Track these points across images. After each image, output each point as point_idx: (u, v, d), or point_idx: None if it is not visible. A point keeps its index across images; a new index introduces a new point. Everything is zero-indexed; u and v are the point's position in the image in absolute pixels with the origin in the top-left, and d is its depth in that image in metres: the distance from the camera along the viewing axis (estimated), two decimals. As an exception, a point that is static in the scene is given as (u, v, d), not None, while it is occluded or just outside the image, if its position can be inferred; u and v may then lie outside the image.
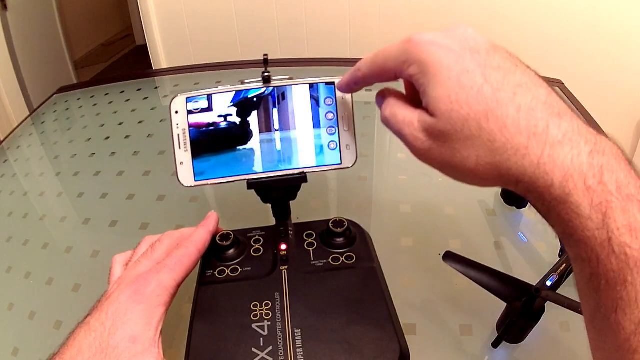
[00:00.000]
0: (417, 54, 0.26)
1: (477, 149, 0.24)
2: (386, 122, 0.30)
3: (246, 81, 0.39)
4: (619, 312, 0.21)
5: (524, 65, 0.25)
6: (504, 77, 0.24)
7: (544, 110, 0.23)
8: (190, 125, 0.39)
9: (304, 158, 0.39)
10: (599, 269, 0.21)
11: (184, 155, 0.39)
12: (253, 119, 0.39)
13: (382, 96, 0.31)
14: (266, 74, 0.38)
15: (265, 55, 0.38)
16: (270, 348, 0.32)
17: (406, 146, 0.29)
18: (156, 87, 0.99)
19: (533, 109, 0.23)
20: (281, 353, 0.32)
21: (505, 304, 0.38)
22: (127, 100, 0.90)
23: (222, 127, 0.39)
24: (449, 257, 0.40)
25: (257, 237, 0.42)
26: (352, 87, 0.35)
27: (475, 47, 0.26)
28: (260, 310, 0.35)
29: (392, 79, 0.30)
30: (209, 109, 0.39)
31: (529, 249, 0.49)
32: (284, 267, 0.38)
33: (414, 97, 0.29)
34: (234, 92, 0.39)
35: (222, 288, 0.37)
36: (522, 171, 0.23)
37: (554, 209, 0.23)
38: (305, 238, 0.41)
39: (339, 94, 0.39)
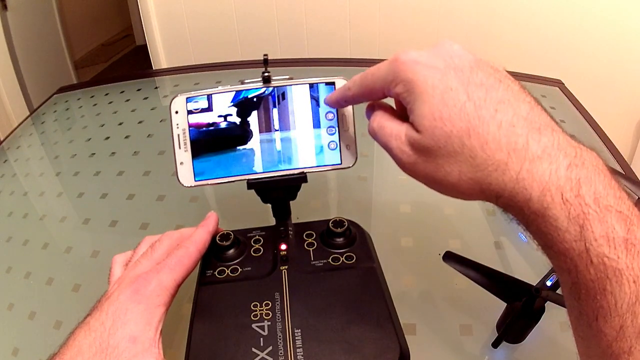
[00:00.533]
0: (404, 73, 0.27)
1: (460, 164, 0.25)
2: (373, 134, 0.31)
3: (246, 81, 0.39)
4: (600, 320, 0.21)
5: (509, 80, 0.26)
6: (486, 93, 0.25)
7: (524, 126, 0.24)
8: (190, 125, 0.39)
9: (303, 158, 0.39)
10: (579, 279, 0.22)
11: (184, 155, 0.39)
12: (253, 119, 0.39)
13: (371, 109, 0.32)
14: (266, 74, 0.38)
15: (265, 55, 0.38)
16: (270, 348, 0.32)
17: (392, 158, 0.29)
18: (156, 87, 0.99)
19: (514, 125, 0.24)
20: (281, 353, 0.32)
21: (505, 304, 0.38)
22: (127, 100, 0.90)
23: (222, 127, 0.39)
24: (449, 257, 0.40)
25: (257, 237, 0.42)
26: (340, 104, 0.36)
27: (459, 65, 0.26)
28: (260, 310, 0.35)
29: (380, 97, 0.31)
30: (209, 109, 0.39)
31: (529, 249, 0.49)
32: (284, 267, 0.38)
33: (403, 113, 0.30)
34: (234, 92, 0.39)
35: (222, 288, 0.37)
36: (502, 186, 0.24)
37: (533, 222, 0.23)
38: (305, 238, 0.41)
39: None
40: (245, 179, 0.39)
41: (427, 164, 0.27)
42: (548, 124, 0.24)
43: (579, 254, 0.21)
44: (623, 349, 0.21)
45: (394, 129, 0.29)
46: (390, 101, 0.32)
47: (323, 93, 0.39)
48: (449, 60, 0.27)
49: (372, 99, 0.32)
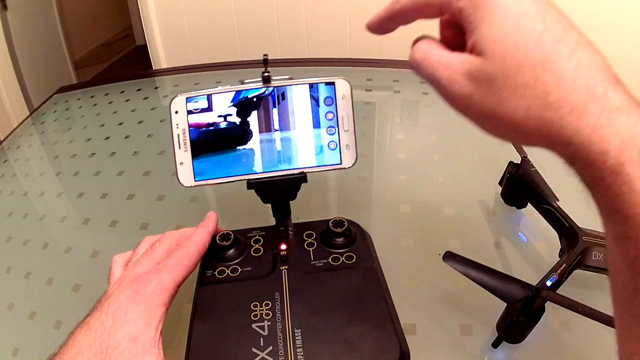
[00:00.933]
0: None
1: (529, 100, 0.22)
2: (416, 65, 0.27)
3: (246, 81, 0.39)
4: None
5: (579, 29, 0.24)
6: (563, 31, 0.22)
7: (602, 73, 0.22)
8: (190, 125, 0.39)
9: (304, 158, 0.39)
10: None
11: (184, 155, 0.39)
12: (253, 119, 0.39)
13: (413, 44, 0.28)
14: (266, 74, 0.38)
15: (265, 55, 0.38)
16: (271, 348, 0.32)
17: (439, 92, 0.26)
18: (156, 87, 0.99)
19: (592, 70, 0.22)
20: (281, 353, 0.32)
21: (505, 304, 0.38)
22: (127, 100, 0.90)
23: (222, 127, 0.39)
24: (449, 257, 0.40)
25: (257, 237, 0.42)
26: (385, 24, 0.30)
27: None
28: (260, 310, 0.35)
29: (434, 14, 0.27)
30: (209, 109, 0.39)
31: (529, 249, 0.49)
32: (284, 267, 0.38)
33: (451, 41, 0.27)
34: (233, 92, 0.39)
35: (222, 288, 0.37)
36: (575, 132, 0.21)
37: (604, 180, 0.21)
38: (305, 238, 0.41)
39: (338, 93, 0.39)
40: (245, 179, 0.39)
41: (487, 96, 0.23)
42: (619, 80, 0.22)
43: None
44: None
45: (443, 57, 0.25)
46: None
47: (323, 93, 0.39)
48: None
49: (425, 16, 0.27)
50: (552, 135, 0.22)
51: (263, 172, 0.39)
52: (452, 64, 0.25)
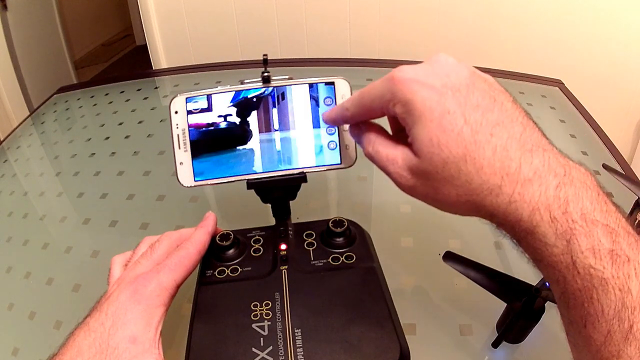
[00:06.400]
0: (401, 93, 0.27)
1: (456, 188, 0.26)
2: (370, 158, 0.32)
3: (246, 81, 0.39)
4: (589, 326, 0.23)
5: (502, 97, 0.27)
6: (482, 116, 0.26)
7: (517, 149, 0.25)
8: (189, 126, 0.39)
9: (303, 158, 0.39)
10: (567, 289, 0.23)
11: (183, 155, 0.39)
12: (253, 119, 0.39)
13: (358, 130, 0.33)
14: (266, 74, 0.38)
15: (265, 55, 0.38)
16: (271, 348, 0.32)
17: (392, 181, 0.30)
18: (156, 87, 0.99)
19: (507, 150, 0.25)
20: (281, 353, 0.32)
21: (505, 304, 0.38)
22: (127, 100, 0.90)
23: (222, 127, 0.39)
24: (449, 257, 0.40)
25: (257, 237, 0.42)
26: (339, 123, 0.37)
27: (456, 84, 0.27)
28: (260, 310, 0.35)
29: (379, 116, 0.31)
30: (209, 109, 0.39)
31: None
32: (284, 267, 0.38)
33: (397, 131, 0.31)
34: (233, 92, 0.39)
35: (222, 288, 0.37)
36: (495, 207, 0.25)
37: (524, 239, 0.25)
38: (305, 238, 0.41)
39: (338, 93, 0.39)
40: (245, 179, 0.39)
41: (426, 187, 0.28)
42: (539, 144, 0.25)
43: (567, 266, 0.23)
44: (612, 353, 0.22)
45: (390, 154, 0.29)
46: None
47: (323, 93, 0.39)
48: (445, 78, 0.27)
49: (370, 118, 0.32)
50: (479, 211, 0.26)
51: (263, 172, 0.39)
52: (398, 161, 0.29)
